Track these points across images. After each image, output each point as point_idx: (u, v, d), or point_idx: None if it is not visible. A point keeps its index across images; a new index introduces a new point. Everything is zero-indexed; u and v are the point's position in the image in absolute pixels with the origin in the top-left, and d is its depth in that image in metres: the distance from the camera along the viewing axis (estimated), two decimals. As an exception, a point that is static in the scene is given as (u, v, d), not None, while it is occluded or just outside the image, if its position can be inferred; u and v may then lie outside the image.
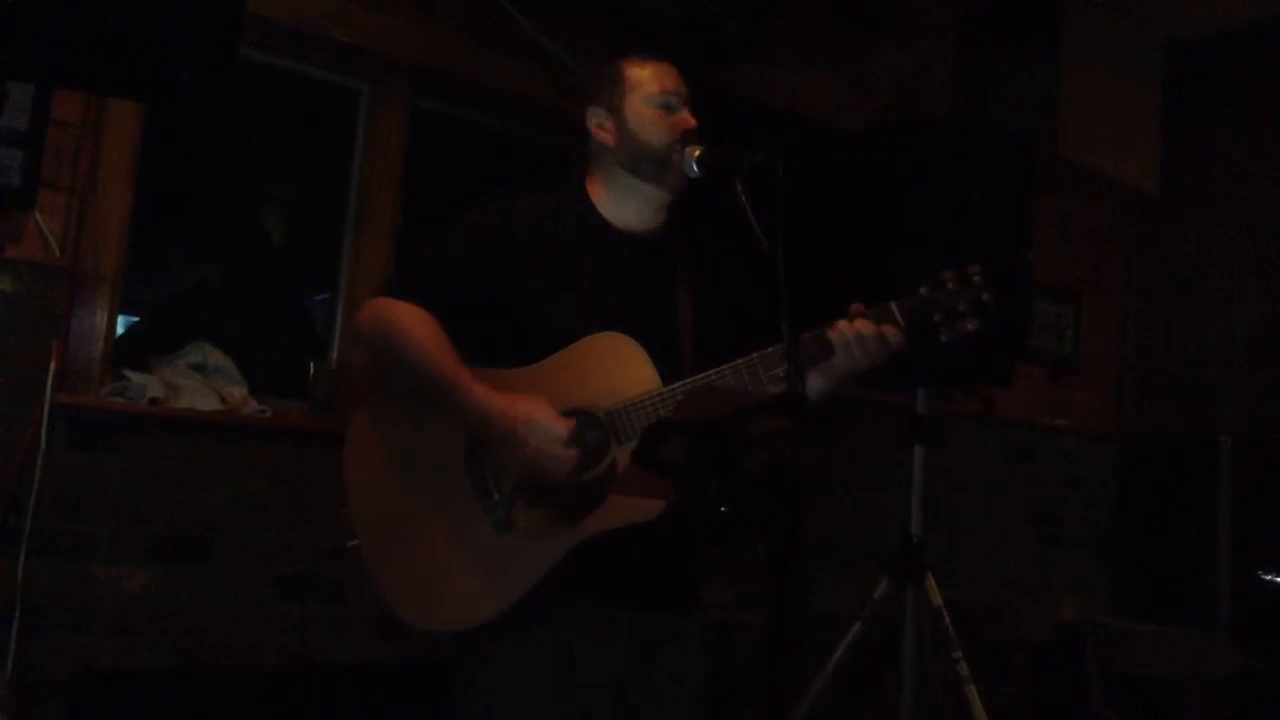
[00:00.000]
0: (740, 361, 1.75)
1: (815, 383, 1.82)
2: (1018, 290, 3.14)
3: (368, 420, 1.88)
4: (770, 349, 1.74)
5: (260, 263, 3.41)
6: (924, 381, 3.13)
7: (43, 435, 2.57)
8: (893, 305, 1.80)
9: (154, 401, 2.74)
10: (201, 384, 2.84)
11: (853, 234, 3.23)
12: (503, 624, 1.73)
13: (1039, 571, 4.68)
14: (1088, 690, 4.16)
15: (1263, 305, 4.71)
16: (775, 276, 1.59)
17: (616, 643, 1.81)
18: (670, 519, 1.73)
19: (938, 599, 2.92)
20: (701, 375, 1.76)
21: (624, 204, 1.94)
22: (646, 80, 1.90)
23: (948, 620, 2.88)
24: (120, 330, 2.91)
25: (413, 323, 1.78)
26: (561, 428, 1.70)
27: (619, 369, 1.77)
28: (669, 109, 1.89)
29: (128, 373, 2.78)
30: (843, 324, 1.77)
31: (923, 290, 1.80)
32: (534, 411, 1.70)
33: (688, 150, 1.85)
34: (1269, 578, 3.95)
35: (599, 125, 1.94)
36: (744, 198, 1.71)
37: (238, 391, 2.90)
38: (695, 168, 1.83)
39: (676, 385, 1.75)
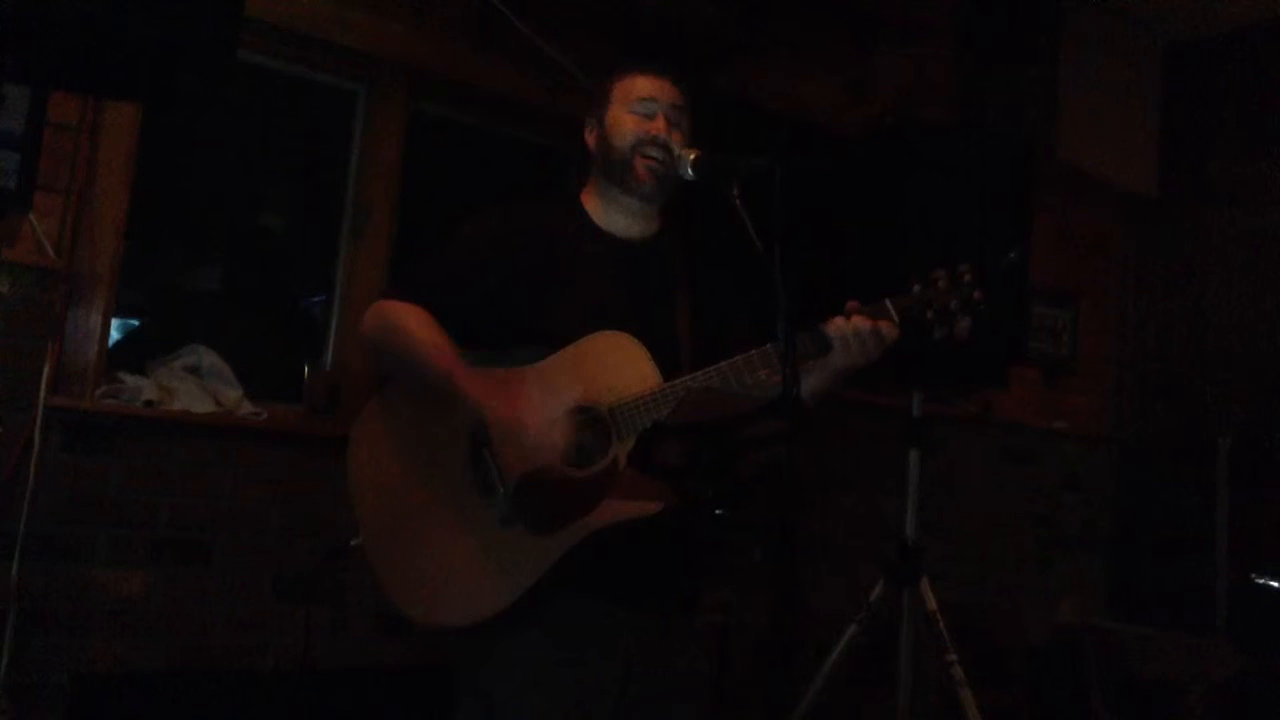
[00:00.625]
0: (739, 358, 1.77)
1: (812, 380, 1.85)
2: (1012, 292, 3.13)
3: (372, 418, 1.89)
4: (768, 345, 1.75)
5: (256, 265, 3.40)
6: (920, 385, 3.13)
7: (37, 437, 2.57)
8: (887, 302, 1.82)
9: (149, 404, 2.74)
10: (197, 386, 2.84)
11: (851, 238, 3.23)
12: (505, 623, 1.74)
13: (1037, 574, 4.68)
14: (1086, 693, 4.16)
15: (1260, 308, 4.71)
16: (772, 281, 1.60)
17: (618, 644, 1.82)
18: (672, 520, 1.75)
19: (933, 603, 2.92)
20: (702, 372, 1.77)
21: (612, 212, 1.98)
22: (630, 89, 1.95)
23: (942, 624, 2.88)
24: (116, 333, 2.91)
25: (412, 321, 1.81)
26: (561, 423, 1.72)
27: (621, 366, 1.78)
28: (643, 115, 1.92)
29: (123, 375, 2.78)
30: (840, 320, 1.79)
31: (916, 288, 1.83)
32: (534, 406, 1.73)
33: (683, 153, 1.87)
34: (1262, 581, 3.95)
35: (590, 132, 2.01)
36: (741, 202, 1.73)
37: (233, 394, 2.89)
38: (691, 171, 1.85)
39: (678, 382, 1.77)
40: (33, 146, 2.34)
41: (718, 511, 1.77)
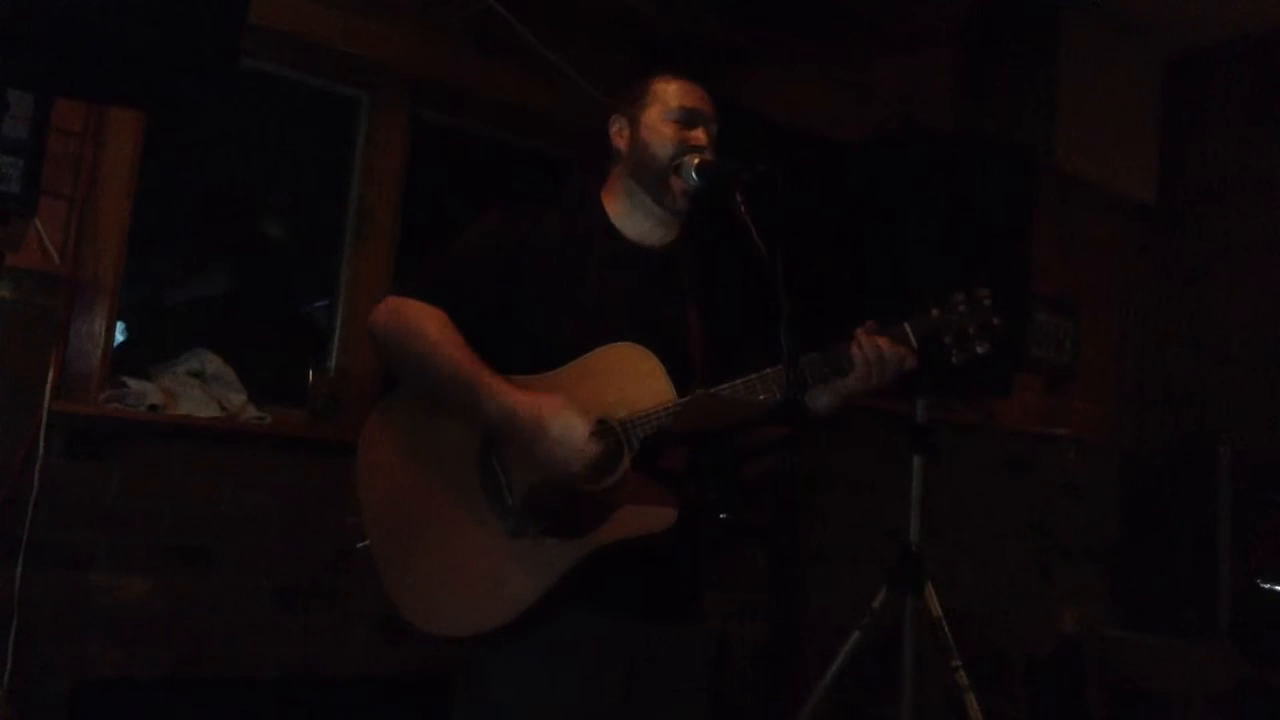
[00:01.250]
0: (754, 376, 1.76)
1: (824, 399, 1.85)
2: (1017, 301, 3.14)
3: (381, 423, 1.87)
4: (781, 365, 1.74)
5: (260, 270, 3.41)
6: (923, 391, 3.13)
7: (40, 443, 2.57)
8: (906, 326, 1.83)
9: (153, 408, 2.74)
10: (200, 391, 2.84)
11: (852, 244, 3.23)
12: (508, 634, 1.72)
13: (1038, 582, 4.67)
14: (1088, 702, 4.15)
15: (1261, 315, 4.72)
16: (775, 286, 1.60)
17: (621, 656, 1.81)
18: (677, 532, 1.73)
19: (937, 608, 2.91)
20: (726, 385, 1.76)
21: (634, 216, 1.95)
22: (669, 94, 1.92)
23: (947, 629, 2.88)
24: (121, 338, 2.91)
25: (431, 323, 1.78)
26: (584, 423, 1.69)
27: (634, 380, 1.77)
28: (683, 124, 1.90)
29: (126, 379, 2.79)
30: (865, 340, 1.79)
31: (934, 312, 1.84)
32: (560, 404, 1.70)
33: (688, 158, 1.86)
34: (1268, 586, 3.94)
35: (618, 131, 1.96)
36: (744, 208, 1.72)
37: (237, 399, 2.90)
38: (695, 175, 1.84)
39: (690, 397, 1.75)
40: (37, 152, 2.34)
41: (722, 515, 1.77)
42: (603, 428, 1.74)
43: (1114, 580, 4.89)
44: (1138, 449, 4.98)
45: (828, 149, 3.98)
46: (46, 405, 2.59)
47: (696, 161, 1.85)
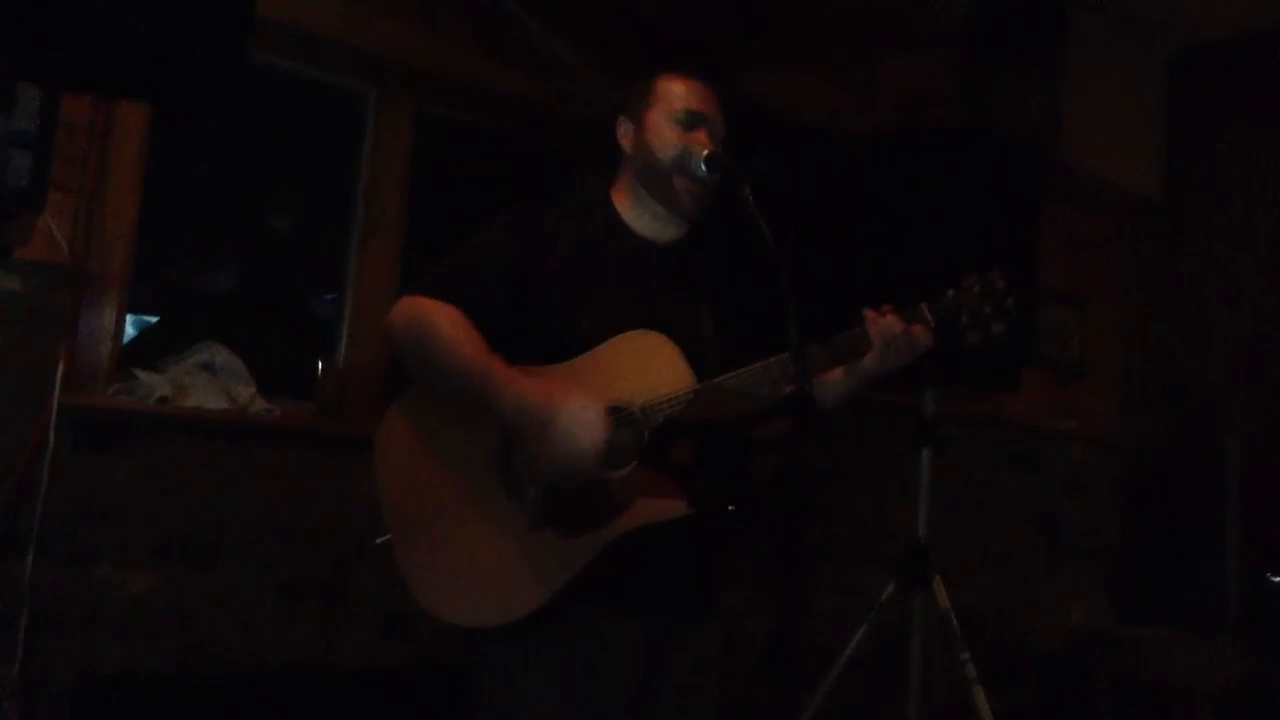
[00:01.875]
0: (773, 360, 1.77)
1: (839, 387, 1.87)
2: (1024, 295, 3.14)
3: (400, 419, 1.87)
4: (806, 349, 1.75)
5: (267, 264, 3.42)
6: (931, 385, 3.13)
7: (50, 436, 2.58)
8: (923, 306, 1.84)
9: (162, 401, 2.74)
10: (210, 383, 2.85)
11: (858, 241, 3.23)
12: (528, 627, 1.72)
13: (1045, 577, 4.66)
14: (1094, 697, 4.15)
15: (1268, 309, 4.71)
16: (782, 281, 1.60)
17: (634, 652, 1.81)
18: (693, 526, 1.74)
19: (945, 601, 2.91)
20: (732, 374, 1.77)
21: (643, 214, 1.96)
22: (673, 95, 1.91)
23: (955, 623, 2.87)
24: (132, 332, 2.92)
25: (446, 320, 1.78)
26: (600, 411, 1.69)
27: (653, 366, 1.77)
28: (687, 126, 1.89)
29: (136, 371, 2.79)
30: (882, 321, 1.81)
31: (950, 293, 1.86)
32: (572, 389, 1.70)
33: (696, 149, 1.85)
34: (1277, 580, 3.94)
35: (624, 133, 1.96)
36: (752, 204, 1.73)
37: (246, 391, 2.90)
38: (704, 167, 1.84)
39: (710, 382, 1.76)
40: (45, 146, 2.35)
41: (730, 507, 1.77)
42: (621, 415, 1.75)
43: (1121, 575, 4.89)
44: (1144, 444, 4.97)
45: (833, 146, 3.98)
46: (55, 398, 2.59)
47: (705, 153, 1.84)
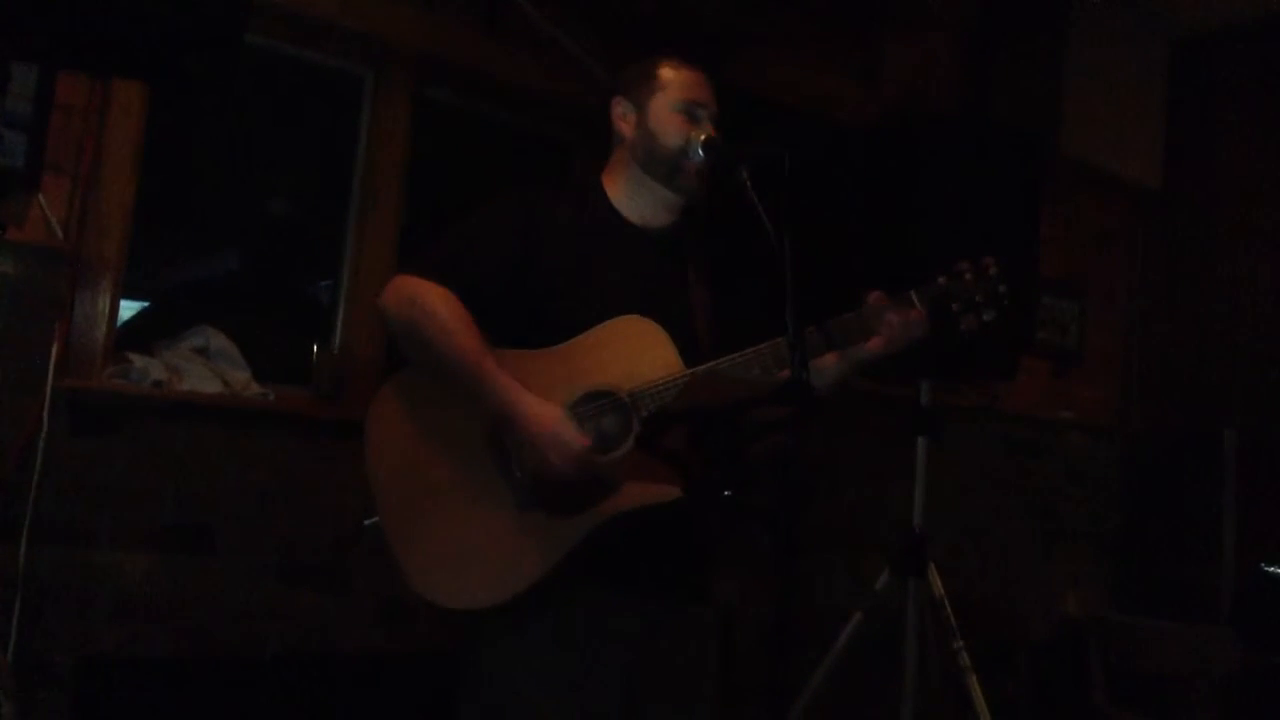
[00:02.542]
0: (765, 345, 1.78)
1: (835, 370, 1.87)
2: (1023, 284, 3.13)
3: (390, 399, 1.87)
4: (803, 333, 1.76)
5: (264, 249, 3.40)
6: (928, 374, 3.13)
7: (45, 419, 2.57)
8: (912, 293, 1.85)
9: (157, 385, 2.74)
10: (205, 368, 2.84)
11: (859, 227, 3.22)
12: (517, 608, 1.73)
13: (1041, 566, 4.67)
14: (1090, 686, 4.16)
15: (1267, 300, 4.70)
16: (781, 266, 1.61)
17: (628, 632, 1.82)
18: (685, 510, 1.75)
19: (940, 590, 2.92)
20: (725, 359, 1.78)
21: (637, 199, 1.97)
22: (677, 85, 1.93)
23: (949, 611, 2.88)
24: (125, 315, 2.91)
25: (440, 303, 1.79)
26: (580, 442, 1.71)
27: (642, 351, 1.79)
28: (692, 118, 1.91)
29: (131, 355, 2.78)
30: (890, 313, 1.82)
31: (941, 279, 1.86)
32: (553, 422, 1.72)
33: (694, 134, 1.88)
34: (1273, 570, 3.94)
35: (621, 116, 1.97)
36: (751, 189, 1.73)
37: (241, 376, 2.89)
38: (700, 152, 1.86)
39: (699, 368, 1.77)
40: (40, 126, 2.33)
41: (726, 493, 1.77)
42: (609, 400, 1.75)
43: (1117, 564, 4.90)
44: (1142, 433, 4.98)
45: (834, 132, 3.97)
46: (50, 381, 2.58)
47: (703, 138, 1.87)
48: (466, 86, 3.46)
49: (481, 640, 1.82)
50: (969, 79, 4.58)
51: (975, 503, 4.40)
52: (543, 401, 1.74)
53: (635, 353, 1.78)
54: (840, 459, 3.95)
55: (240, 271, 3.38)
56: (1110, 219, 5.08)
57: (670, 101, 1.92)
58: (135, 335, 2.90)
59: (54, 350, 2.59)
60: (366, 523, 1.82)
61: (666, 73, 1.94)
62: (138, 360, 2.76)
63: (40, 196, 2.57)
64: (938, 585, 2.92)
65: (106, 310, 2.75)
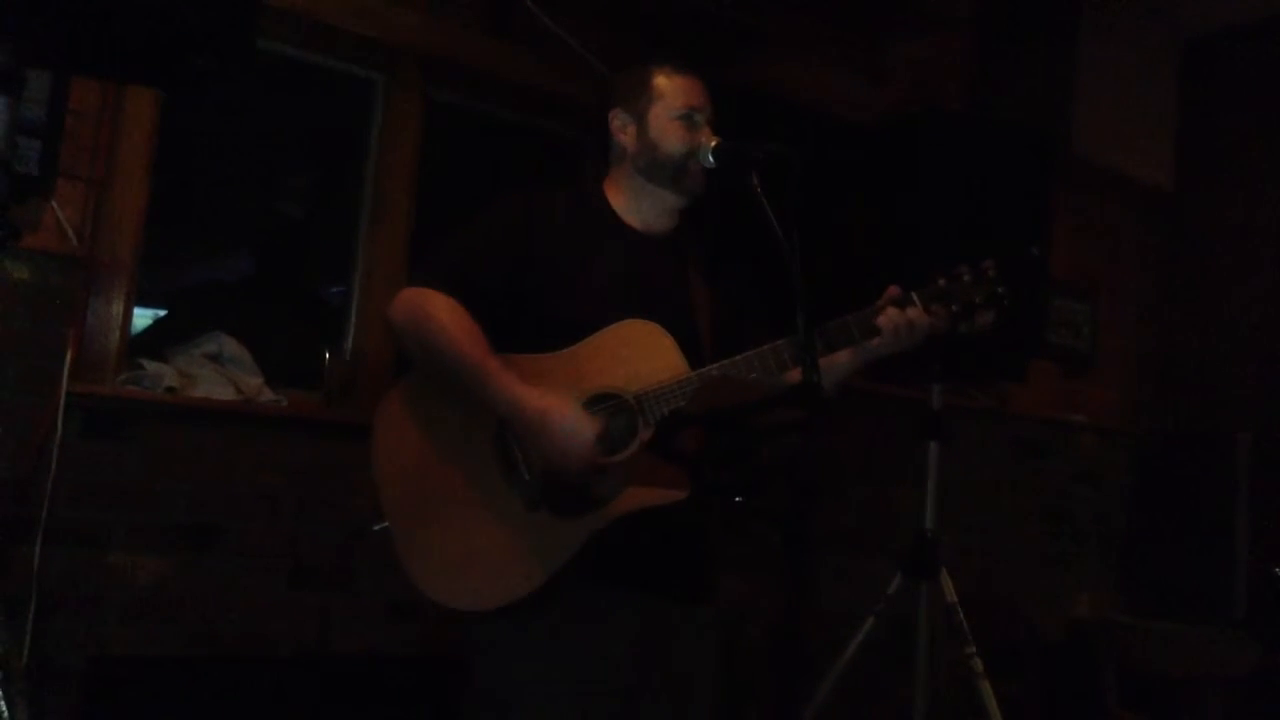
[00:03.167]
0: (767, 347, 1.80)
1: (837, 366, 1.89)
2: (1033, 286, 3.12)
3: (397, 403, 1.89)
4: (796, 336, 1.77)
5: (276, 253, 3.42)
6: (939, 377, 3.12)
7: (59, 424, 2.58)
8: (912, 294, 1.87)
9: (170, 390, 2.75)
10: (217, 373, 2.85)
11: (869, 226, 3.22)
12: (524, 609, 1.75)
13: (1052, 568, 4.66)
14: (1101, 688, 4.14)
15: (1279, 301, 4.68)
16: (789, 269, 1.62)
17: (633, 632, 1.83)
18: (690, 508, 1.76)
19: (952, 594, 2.91)
20: (729, 361, 1.79)
21: (639, 205, 1.99)
22: (672, 93, 1.96)
23: (961, 615, 2.87)
24: (143, 322, 2.92)
25: (445, 313, 1.81)
26: (590, 427, 1.72)
27: (648, 354, 1.80)
28: (691, 124, 1.93)
29: (143, 361, 2.80)
30: (891, 310, 1.84)
31: (940, 282, 1.86)
32: (564, 407, 1.73)
33: (704, 140, 1.90)
34: (1281, 572, 3.93)
35: (621, 128, 1.99)
36: (760, 190, 1.73)
37: (253, 381, 2.90)
38: (712, 159, 1.88)
39: (704, 370, 1.78)
40: (54, 133, 2.35)
41: (737, 499, 1.78)
42: (614, 402, 1.76)
43: (1128, 566, 4.88)
44: (1154, 435, 4.95)
45: (843, 132, 3.97)
46: (64, 386, 2.60)
47: (714, 144, 1.89)
48: (476, 88, 3.46)
49: (487, 641, 1.83)
50: (978, 78, 4.57)
51: (987, 505, 4.39)
52: (549, 392, 1.75)
53: (640, 356, 1.80)
54: (850, 461, 3.94)
55: (252, 276, 3.39)
56: (1121, 219, 5.05)
57: (669, 110, 1.94)
58: (147, 341, 2.92)
59: (68, 355, 2.61)
60: (376, 528, 1.83)
61: (661, 81, 1.96)
62: (150, 366, 2.78)
63: (53, 202, 2.59)
64: (950, 589, 2.91)
65: (120, 315, 2.77)
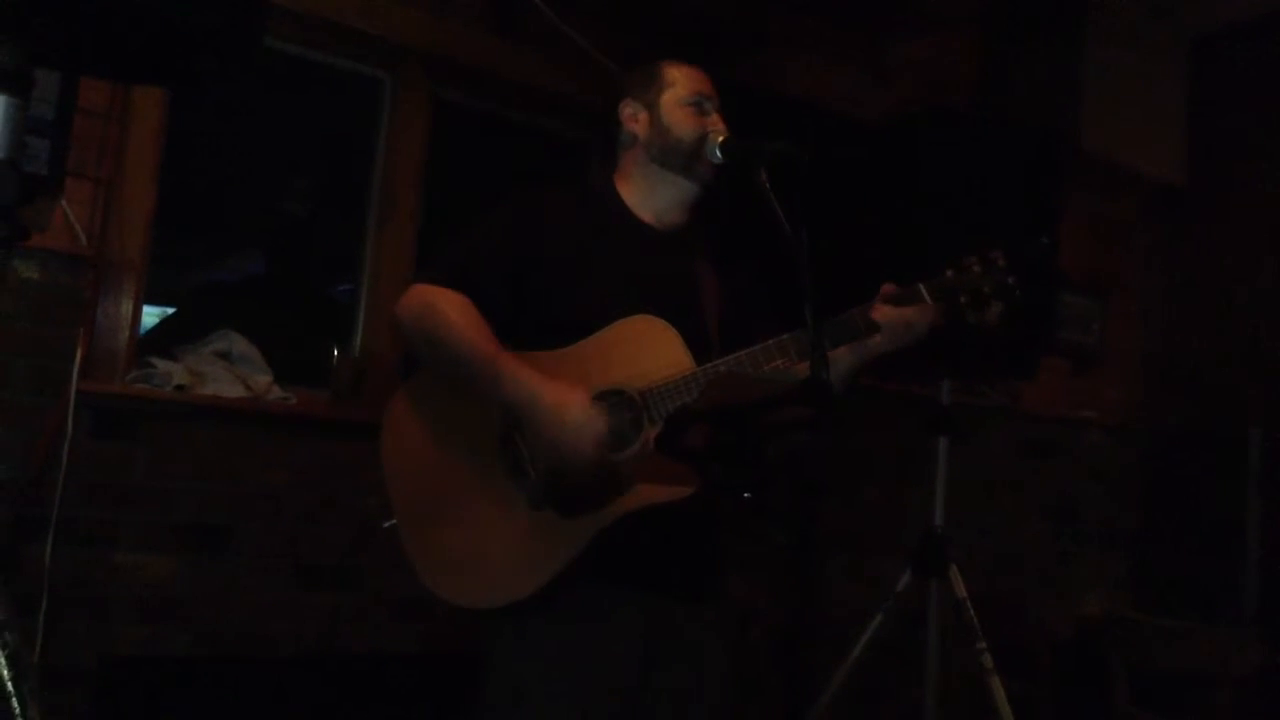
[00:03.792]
0: (771, 342, 1.80)
1: (846, 363, 1.88)
2: (1043, 281, 3.11)
3: (406, 402, 1.90)
4: (799, 331, 1.78)
5: (284, 252, 3.42)
6: (949, 373, 3.11)
7: (69, 423, 2.59)
8: (920, 285, 1.86)
9: (180, 389, 2.76)
10: (227, 372, 2.86)
11: (875, 224, 3.21)
12: (535, 606, 1.75)
13: (1062, 566, 4.64)
14: (1111, 686, 4.13)
15: (1290, 298, 4.66)
16: (797, 266, 1.61)
17: (641, 631, 1.83)
18: (697, 506, 1.75)
19: (962, 590, 2.90)
20: (733, 355, 1.79)
21: (651, 197, 1.99)
22: (682, 80, 1.99)
23: (971, 612, 2.87)
24: (152, 321, 2.93)
25: (453, 309, 1.81)
26: (600, 420, 1.72)
27: (653, 351, 1.80)
28: (701, 109, 1.96)
29: (153, 359, 2.80)
30: (887, 307, 1.84)
31: (949, 272, 1.85)
32: (581, 402, 1.73)
33: (712, 135, 1.91)
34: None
35: (632, 116, 2.01)
36: (767, 187, 1.73)
37: (262, 379, 2.91)
38: (719, 153, 1.90)
39: (709, 366, 1.78)
40: (63, 132, 2.36)
41: (745, 495, 1.77)
42: (620, 400, 1.76)
43: (1138, 564, 4.86)
44: (1165, 432, 4.93)
45: (851, 130, 3.96)
46: (74, 385, 2.60)
47: (721, 139, 1.90)
48: (480, 87, 3.46)
49: (500, 637, 1.83)
50: (986, 75, 4.56)
51: (996, 502, 4.38)
52: (565, 386, 1.74)
53: (647, 352, 1.80)
54: (858, 458, 3.94)
55: (261, 275, 3.40)
56: (1131, 216, 5.03)
57: (680, 96, 1.96)
58: (158, 340, 2.93)
59: (77, 354, 2.62)
60: (385, 525, 1.83)
61: (671, 71, 2.00)
62: (160, 364, 2.78)
63: (63, 202, 2.60)
64: (960, 586, 2.90)
65: (129, 314, 2.77)
